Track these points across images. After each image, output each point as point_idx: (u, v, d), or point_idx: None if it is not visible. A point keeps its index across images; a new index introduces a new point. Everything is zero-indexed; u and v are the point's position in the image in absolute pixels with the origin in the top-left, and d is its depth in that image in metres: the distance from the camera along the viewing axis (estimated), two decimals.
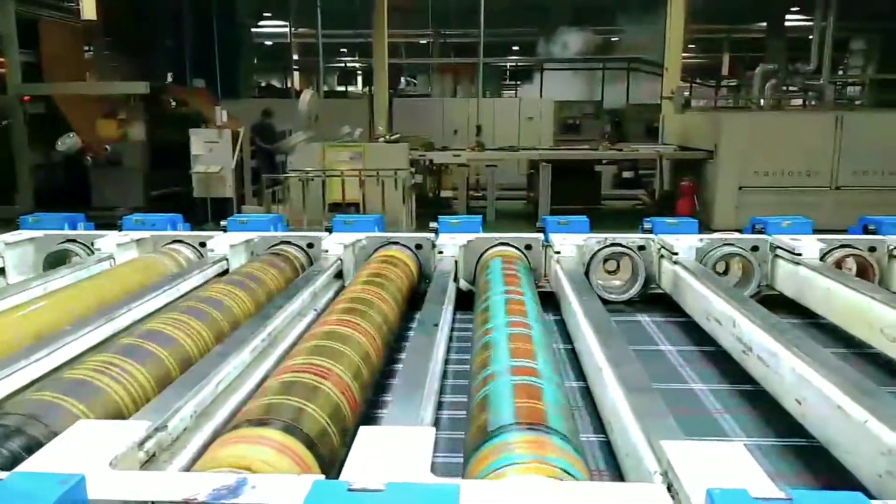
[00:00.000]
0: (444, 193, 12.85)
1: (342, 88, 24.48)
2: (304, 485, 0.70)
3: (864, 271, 2.20)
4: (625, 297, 2.23)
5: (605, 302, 2.26)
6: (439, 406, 1.40)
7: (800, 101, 12.90)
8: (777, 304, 2.17)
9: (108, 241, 2.23)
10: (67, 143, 10.36)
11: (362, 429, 0.87)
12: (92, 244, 2.25)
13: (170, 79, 15.77)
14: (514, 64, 22.55)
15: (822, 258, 2.11)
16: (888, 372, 1.58)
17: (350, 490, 0.68)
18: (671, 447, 0.81)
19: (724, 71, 21.21)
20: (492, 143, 13.02)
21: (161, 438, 0.99)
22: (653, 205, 11.72)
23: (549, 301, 2.07)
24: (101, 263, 2.13)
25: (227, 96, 13.66)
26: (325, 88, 21.67)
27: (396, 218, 9.09)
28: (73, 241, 2.32)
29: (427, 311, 1.54)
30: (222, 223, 2.40)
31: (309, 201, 9.15)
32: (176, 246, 2.29)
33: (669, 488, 0.78)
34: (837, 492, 0.64)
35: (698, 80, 20.39)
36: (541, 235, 2.30)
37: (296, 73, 22.56)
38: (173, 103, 12.52)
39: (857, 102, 12.75)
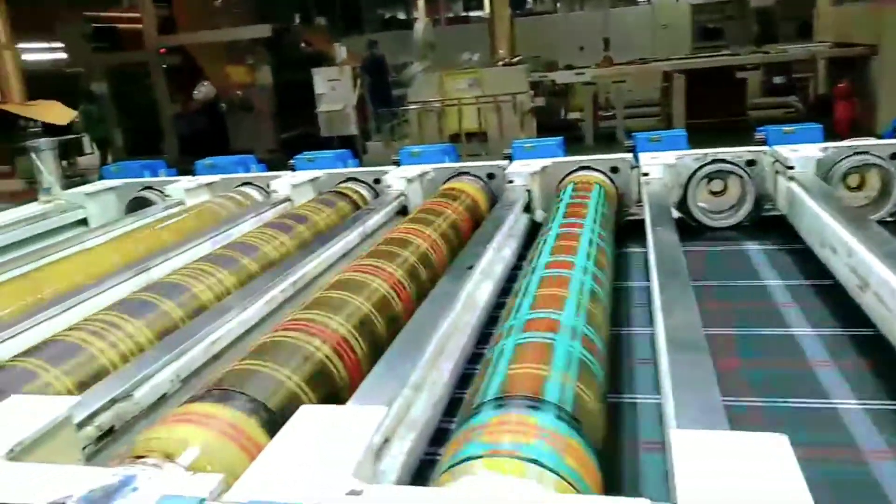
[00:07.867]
0: (573, 115, 12.28)
1: (466, 14, 23.83)
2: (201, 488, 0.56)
3: None
4: (730, 221, 1.91)
5: (710, 229, 1.98)
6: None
7: None
8: None
9: (177, 186, 2.22)
10: (203, 91, 10.85)
11: (302, 408, 0.72)
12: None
13: (297, 20, 16.02)
14: None
15: None
16: None
17: None
18: (679, 439, 0.60)
19: None
20: (623, 58, 12.16)
21: (122, 411, 0.90)
22: (806, 111, 10.55)
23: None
24: (170, 210, 2.12)
25: (350, 33, 13.64)
26: (451, 15, 21.21)
27: None
28: (150, 188, 2.33)
29: (465, 252, 1.36)
30: (289, 162, 2.31)
31: (427, 134, 9.03)
32: (244, 188, 2.23)
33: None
34: None
35: None
36: (629, 155, 2.01)
37: (420, 3, 22.17)
38: (303, 44, 12.72)
39: None
